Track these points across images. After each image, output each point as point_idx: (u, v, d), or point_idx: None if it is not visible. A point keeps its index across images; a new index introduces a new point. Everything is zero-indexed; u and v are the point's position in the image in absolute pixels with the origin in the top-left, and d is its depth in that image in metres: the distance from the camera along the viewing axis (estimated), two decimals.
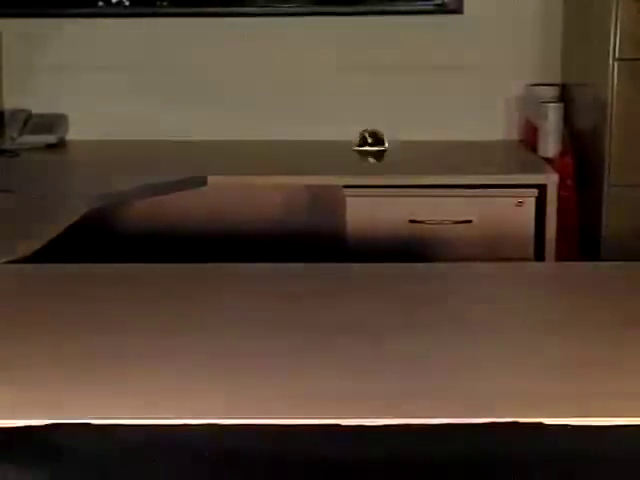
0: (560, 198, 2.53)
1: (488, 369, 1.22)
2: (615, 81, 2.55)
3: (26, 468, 1.08)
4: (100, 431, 1.05)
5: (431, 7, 2.98)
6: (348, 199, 2.50)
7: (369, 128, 2.61)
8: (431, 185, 2.51)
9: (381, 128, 2.98)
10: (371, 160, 1.69)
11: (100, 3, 3.04)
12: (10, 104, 3.01)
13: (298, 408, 1.10)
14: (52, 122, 3.01)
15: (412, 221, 2.48)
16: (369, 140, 2.24)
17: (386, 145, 2.23)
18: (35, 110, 3.03)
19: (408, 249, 2.47)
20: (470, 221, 2.48)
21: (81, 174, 2.77)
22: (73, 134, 3.06)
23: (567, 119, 2.79)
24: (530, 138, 2.88)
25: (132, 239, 2.66)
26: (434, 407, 1.10)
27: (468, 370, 1.22)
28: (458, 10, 2.95)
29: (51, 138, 2.97)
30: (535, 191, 2.50)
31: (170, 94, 3.05)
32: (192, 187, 2.52)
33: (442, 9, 2.97)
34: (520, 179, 2.55)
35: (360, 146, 2.41)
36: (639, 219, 2.59)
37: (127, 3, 3.04)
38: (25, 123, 2.98)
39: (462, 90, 3.01)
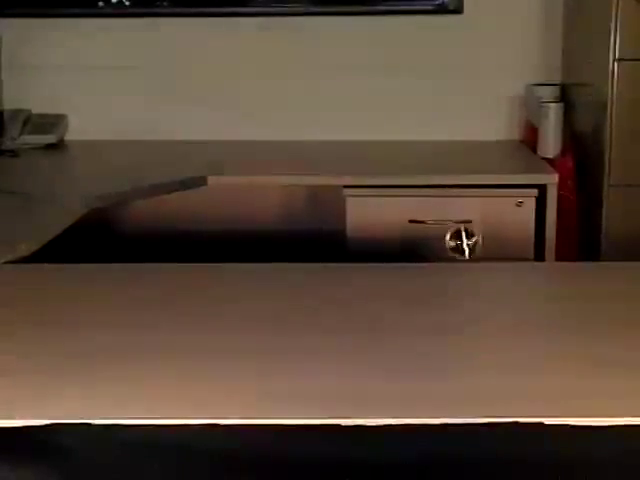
0: (560, 198, 2.53)
1: (488, 369, 1.22)
2: (615, 81, 2.55)
3: (26, 468, 1.08)
4: (100, 431, 1.05)
5: (431, 7, 2.98)
6: (348, 199, 2.50)
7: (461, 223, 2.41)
8: (431, 185, 2.51)
9: (380, 128, 2.99)
10: (464, 253, 1.65)
11: (100, 3, 3.04)
12: (10, 104, 3.01)
13: (298, 408, 1.10)
14: (52, 122, 3.01)
15: (412, 221, 2.48)
16: (462, 235, 2.13)
17: (477, 237, 2.12)
18: (35, 110, 3.03)
19: (408, 249, 2.47)
20: (470, 221, 2.48)
21: (81, 174, 2.77)
22: (73, 134, 3.06)
23: (567, 119, 2.79)
24: (530, 138, 2.88)
25: (132, 239, 2.66)
26: (434, 407, 1.10)
27: (468, 370, 1.22)
28: (458, 10, 2.95)
29: (51, 138, 2.97)
30: (535, 191, 2.50)
31: (170, 94, 3.05)
32: (192, 187, 2.52)
33: (442, 9, 2.97)
34: (520, 179, 2.55)
35: (453, 240, 2.29)
36: (639, 219, 2.59)
37: (127, 3, 3.04)
38: (25, 123, 2.98)
39: (462, 90, 3.01)
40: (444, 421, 1.05)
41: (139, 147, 2.98)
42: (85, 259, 1.69)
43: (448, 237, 1.88)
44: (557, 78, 2.97)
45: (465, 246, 1.74)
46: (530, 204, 2.49)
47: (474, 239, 1.87)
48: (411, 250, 2.47)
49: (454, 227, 1.93)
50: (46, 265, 1.70)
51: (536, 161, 2.73)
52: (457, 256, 2.13)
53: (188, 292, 1.52)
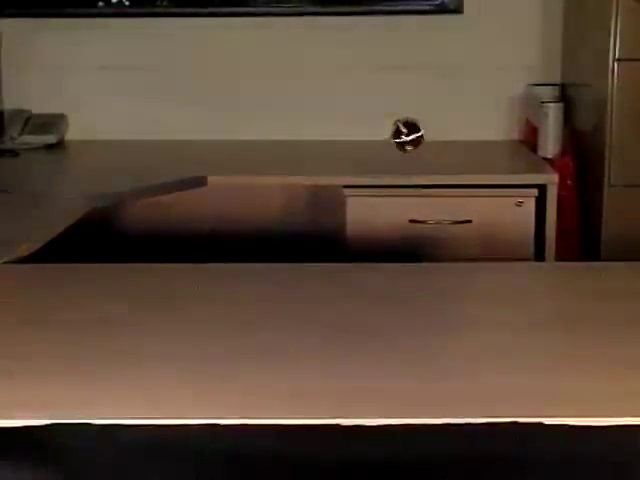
0: (560, 198, 2.53)
1: (488, 369, 1.22)
2: (615, 81, 2.55)
3: (26, 468, 1.08)
4: (100, 431, 1.05)
5: (431, 7, 2.98)
6: (348, 199, 2.50)
7: (401, 118, 2.38)
8: (431, 185, 2.51)
9: (380, 128, 2.99)
10: (409, 149, 1.58)
11: (100, 3, 3.04)
12: (10, 104, 3.02)
13: (298, 408, 1.10)
14: (52, 122, 3.01)
15: (412, 221, 2.48)
16: (403, 130, 2.09)
17: (422, 131, 2.07)
18: (35, 110, 3.03)
19: (408, 249, 2.47)
20: (470, 221, 2.48)
21: (81, 174, 2.76)
22: (73, 134, 3.06)
23: (567, 119, 2.79)
24: (530, 138, 2.88)
25: (132, 239, 2.66)
26: (434, 407, 1.10)
27: (468, 370, 1.22)
28: (458, 10, 2.95)
29: (51, 138, 2.97)
30: (535, 191, 2.50)
31: (170, 94, 3.05)
32: (192, 187, 2.52)
33: (442, 9, 2.97)
34: (520, 179, 2.55)
35: (396, 138, 2.22)
36: (639, 219, 2.59)
37: (127, 3, 3.04)
38: (25, 123, 2.98)
39: (462, 90, 3.01)
40: (444, 421, 1.05)
41: (139, 147, 2.98)
42: (85, 259, 1.69)
43: (390, 135, 1.85)
44: (557, 78, 2.97)
45: (405, 143, 1.70)
46: (530, 204, 2.49)
47: (416, 134, 1.82)
48: (411, 250, 2.47)
49: (395, 126, 1.88)
50: (46, 265, 1.70)
51: (536, 161, 2.73)
52: (401, 151, 2.06)
53: (188, 292, 1.52)
